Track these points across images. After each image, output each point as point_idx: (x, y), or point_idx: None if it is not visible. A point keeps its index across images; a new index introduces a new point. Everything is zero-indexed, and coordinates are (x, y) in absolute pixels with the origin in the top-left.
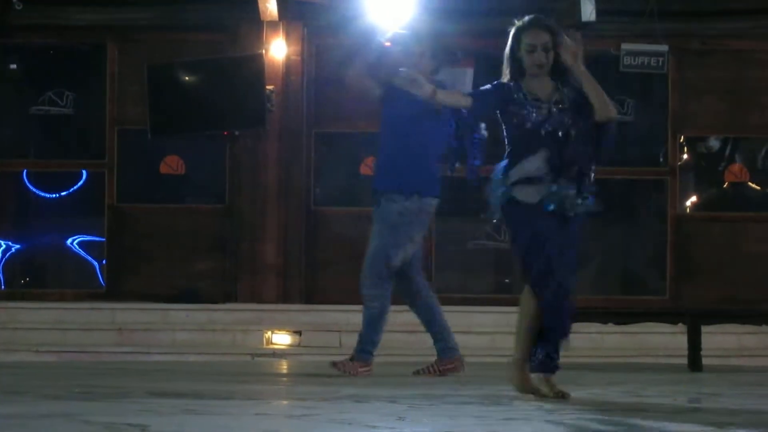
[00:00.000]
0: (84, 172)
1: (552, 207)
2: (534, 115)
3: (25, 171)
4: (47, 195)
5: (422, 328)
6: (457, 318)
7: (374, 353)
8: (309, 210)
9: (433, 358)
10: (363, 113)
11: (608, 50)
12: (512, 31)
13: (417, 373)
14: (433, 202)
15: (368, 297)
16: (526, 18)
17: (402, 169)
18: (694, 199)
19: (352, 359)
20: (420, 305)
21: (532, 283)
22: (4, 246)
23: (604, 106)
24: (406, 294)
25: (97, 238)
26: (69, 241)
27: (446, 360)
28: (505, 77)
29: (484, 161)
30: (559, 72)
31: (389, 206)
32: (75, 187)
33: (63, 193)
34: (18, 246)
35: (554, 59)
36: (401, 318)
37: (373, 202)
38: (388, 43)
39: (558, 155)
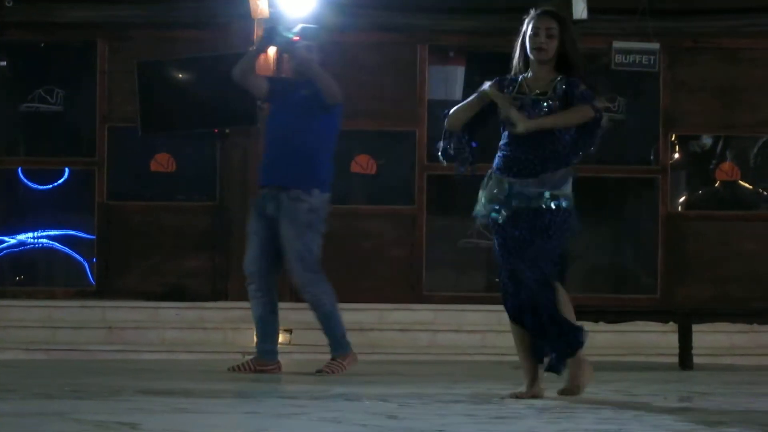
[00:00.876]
0: (66, 169)
1: (498, 218)
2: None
3: (19, 169)
4: (38, 188)
5: (414, 326)
6: (447, 316)
7: (348, 340)
8: None
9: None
10: (354, 111)
11: (600, 48)
12: (525, 20)
13: (233, 369)
14: (327, 197)
15: (314, 297)
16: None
17: (300, 164)
18: (685, 197)
19: (333, 359)
20: (266, 302)
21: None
22: None
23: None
24: (258, 285)
25: (87, 236)
26: (56, 237)
27: (265, 361)
28: (512, 70)
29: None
30: (566, 66)
31: (297, 206)
32: (58, 182)
33: (52, 186)
34: (7, 243)
35: (562, 52)
36: (392, 317)
37: (266, 195)
38: (296, 38)
39: (524, 149)
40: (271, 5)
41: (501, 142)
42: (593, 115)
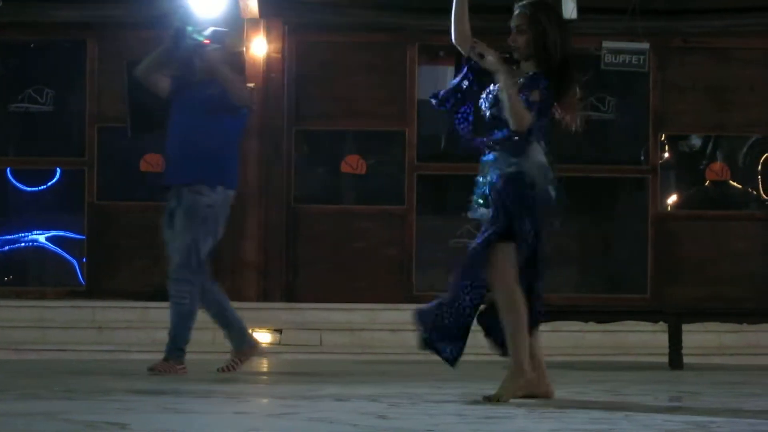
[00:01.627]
0: (58, 170)
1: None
2: (482, 102)
3: (9, 169)
4: (27, 188)
5: (405, 326)
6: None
7: (186, 351)
8: (289, 208)
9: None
10: (344, 111)
11: (590, 48)
12: None
13: (221, 370)
14: (232, 194)
15: (179, 293)
16: None
17: (205, 162)
18: (675, 197)
19: (166, 360)
20: (210, 302)
21: None
22: None
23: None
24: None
25: (77, 236)
26: (46, 238)
27: (244, 351)
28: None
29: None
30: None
31: (196, 199)
32: (49, 183)
33: (42, 187)
34: None
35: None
36: (383, 317)
37: (171, 194)
38: (207, 41)
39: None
40: (180, 6)
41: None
42: (518, 128)
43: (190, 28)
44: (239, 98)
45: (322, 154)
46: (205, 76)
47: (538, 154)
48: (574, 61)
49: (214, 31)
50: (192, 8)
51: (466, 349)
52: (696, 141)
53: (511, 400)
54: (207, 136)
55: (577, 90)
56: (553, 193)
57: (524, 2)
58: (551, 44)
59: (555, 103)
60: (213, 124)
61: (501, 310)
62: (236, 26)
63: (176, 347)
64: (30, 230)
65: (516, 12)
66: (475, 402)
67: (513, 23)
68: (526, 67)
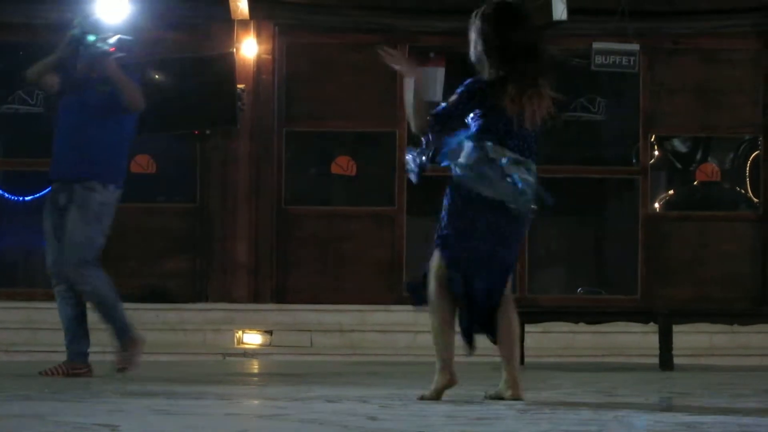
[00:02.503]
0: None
1: None
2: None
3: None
4: (17, 196)
5: (394, 327)
6: (427, 318)
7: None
8: (280, 209)
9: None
10: (334, 112)
11: (580, 49)
12: None
13: (44, 373)
14: (119, 194)
15: (92, 288)
16: None
17: (98, 159)
18: (665, 198)
19: (67, 361)
20: (77, 302)
21: None
22: None
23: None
24: (68, 285)
25: None
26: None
27: (77, 364)
28: None
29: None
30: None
31: (89, 195)
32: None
33: (35, 195)
34: None
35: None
36: (372, 318)
37: (58, 190)
38: (112, 48)
39: None
40: (80, 12)
41: None
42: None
43: (94, 37)
44: (132, 103)
45: (312, 155)
46: (91, 72)
47: (471, 153)
48: (506, 57)
49: (120, 39)
50: (94, 15)
51: (456, 350)
52: (686, 142)
53: (502, 402)
54: (97, 133)
55: (526, 85)
56: (494, 190)
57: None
58: (474, 46)
59: (495, 102)
60: (103, 122)
61: None
62: (139, 33)
63: (122, 337)
64: (20, 232)
65: None
66: (466, 403)
67: None
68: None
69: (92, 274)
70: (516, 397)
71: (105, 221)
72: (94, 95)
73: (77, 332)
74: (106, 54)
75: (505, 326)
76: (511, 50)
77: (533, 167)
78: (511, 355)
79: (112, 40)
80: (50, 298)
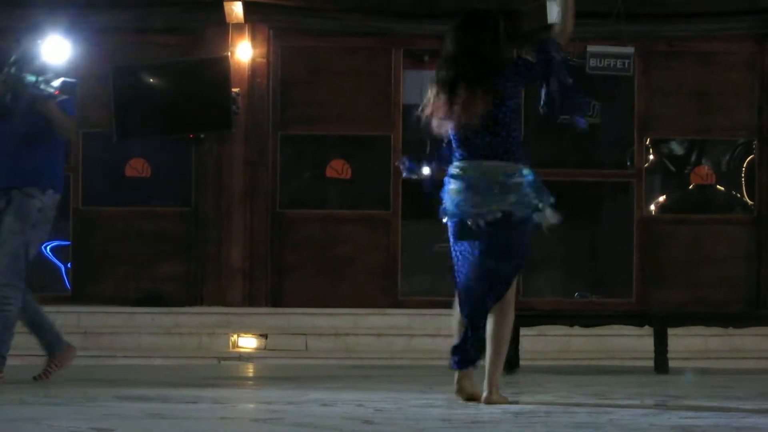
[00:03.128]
0: None
1: None
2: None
3: None
4: None
5: (390, 331)
6: (424, 321)
7: (5, 359)
8: (275, 212)
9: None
10: (329, 116)
11: (574, 52)
12: None
13: (37, 378)
14: (58, 198)
15: (6, 299)
16: None
17: (36, 165)
18: (660, 201)
19: None
20: (27, 308)
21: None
22: None
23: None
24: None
25: (62, 242)
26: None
27: (59, 354)
28: None
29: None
30: None
31: (27, 201)
32: None
33: None
34: None
35: None
36: (368, 322)
37: None
38: (57, 92)
39: None
40: (18, 49)
41: None
42: None
43: (33, 77)
44: (64, 135)
45: (307, 159)
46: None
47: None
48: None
49: (64, 82)
50: (33, 54)
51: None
52: (681, 145)
53: (497, 406)
54: (32, 141)
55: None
56: (452, 205)
57: None
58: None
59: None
60: (38, 129)
61: None
62: (77, 73)
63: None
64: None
65: None
66: (461, 406)
67: None
68: None
69: (14, 285)
70: (488, 401)
71: (41, 231)
72: (24, 123)
73: (44, 331)
74: (51, 97)
75: (494, 329)
76: (453, 54)
77: (476, 170)
78: (494, 357)
79: (56, 83)
80: (45, 302)
